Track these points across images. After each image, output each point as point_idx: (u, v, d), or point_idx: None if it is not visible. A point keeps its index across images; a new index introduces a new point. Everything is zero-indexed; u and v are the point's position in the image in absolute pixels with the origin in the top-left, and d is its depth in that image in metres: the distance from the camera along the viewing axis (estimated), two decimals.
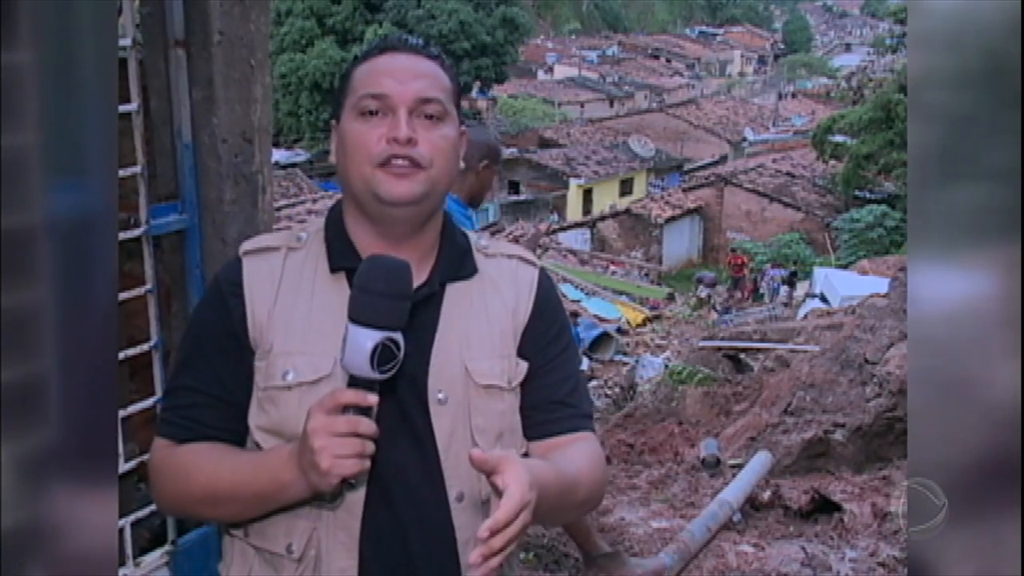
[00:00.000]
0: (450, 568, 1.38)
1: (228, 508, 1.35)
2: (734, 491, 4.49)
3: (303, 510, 1.32)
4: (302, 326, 1.34)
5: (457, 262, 1.42)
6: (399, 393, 1.31)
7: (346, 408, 1.20)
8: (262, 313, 1.35)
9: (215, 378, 1.36)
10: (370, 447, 1.21)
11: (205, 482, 1.33)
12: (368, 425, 1.20)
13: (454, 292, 1.40)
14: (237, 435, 1.37)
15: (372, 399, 1.20)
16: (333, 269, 1.37)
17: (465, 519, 1.37)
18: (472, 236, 1.48)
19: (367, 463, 1.21)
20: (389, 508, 1.34)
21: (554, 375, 1.45)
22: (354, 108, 1.34)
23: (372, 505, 1.33)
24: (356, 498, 1.33)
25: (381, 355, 1.19)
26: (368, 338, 1.19)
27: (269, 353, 1.34)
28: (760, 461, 4.85)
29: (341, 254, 1.38)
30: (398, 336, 1.21)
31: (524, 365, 1.43)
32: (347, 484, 1.25)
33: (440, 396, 1.36)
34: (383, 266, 1.23)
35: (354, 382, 1.22)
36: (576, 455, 1.40)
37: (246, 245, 1.41)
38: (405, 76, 1.33)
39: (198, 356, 1.38)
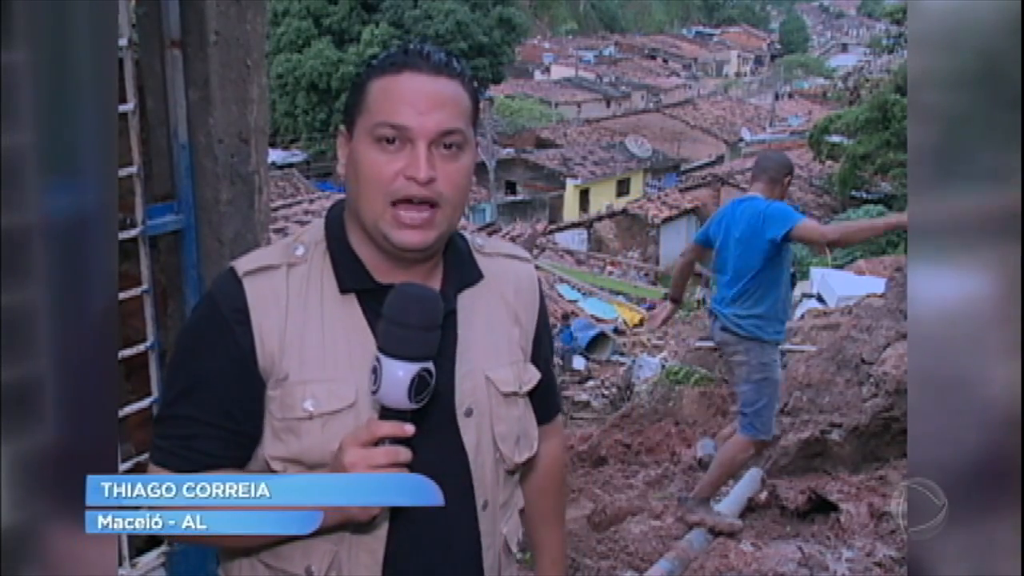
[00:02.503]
0: (473, 574, 1.38)
1: (245, 539, 1.28)
2: (728, 504, 4.53)
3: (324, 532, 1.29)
4: (317, 352, 1.29)
5: (463, 269, 1.40)
6: (425, 409, 1.27)
7: (381, 439, 1.19)
8: (272, 340, 1.28)
9: (220, 409, 1.29)
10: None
11: None
12: (406, 454, 1.19)
13: (465, 301, 1.38)
14: (241, 461, 1.32)
15: (409, 429, 1.19)
16: (343, 291, 1.32)
17: (488, 526, 1.38)
18: (468, 237, 1.46)
19: None
20: (412, 525, 1.31)
21: (548, 366, 1.52)
22: (369, 133, 1.26)
23: (397, 524, 1.31)
24: (382, 521, 1.30)
25: (417, 386, 1.19)
26: (404, 370, 1.18)
27: (283, 382, 1.28)
28: (752, 476, 4.88)
29: (351, 275, 1.32)
30: (431, 365, 1.20)
31: (535, 373, 1.45)
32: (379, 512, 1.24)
33: (466, 408, 1.34)
34: (414, 298, 1.21)
35: (387, 413, 1.20)
36: (552, 495, 1.61)
37: (244, 265, 1.32)
38: (427, 105, 1.25)
39: (200, 386, 1.30)
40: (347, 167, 1.32)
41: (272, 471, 1.30)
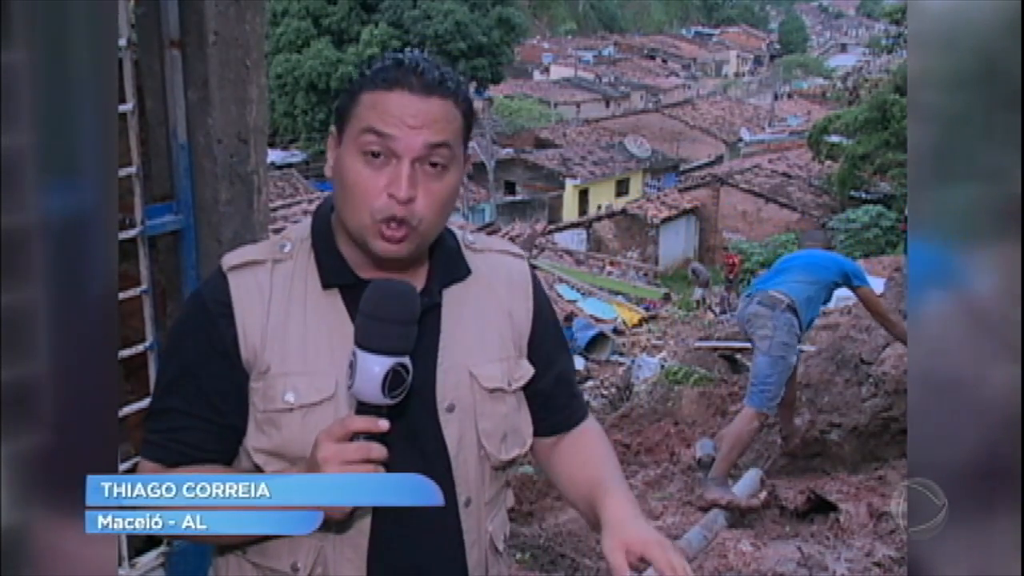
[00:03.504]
0: (457, 571, 1.38)
1: (229, 535, 1.29)
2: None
3: None
4: (298, 345, 1.30)
5: (451, 265, 1.41)
6: (404, 404, 1.28)
7: (355, 435, 1.19)
8: (254, 333, 1.30)
9: (206, 401, 1.31)
10: (381, 472, 1.20)
11: None
12: (379, 450, 1.20)
13: (451, 296, 1.39)
14: (228, 455, 1.34)
15: (383, 425, 1.19)
16: (326, 286, 1.34)
17: (471, 523, 1.39)
18: (458, 233, 1.46)
19: None
20: (396, 521, 1.32)
21: (561, 370, 1.50)
22: (356, 141, 1.28)
23: (379, 519, 1.31)
24: (364, 515, 1.31)
25: (392, 381, 1.19)
26: (378, 364, 1.18)
27: (265, 375, 1.30)
28: (752, 476, 4.88)
29: (333, 271, 1.34)
30: (407, 360, 1.21)
31: (529, 368, 1.44)
32: (356, 508, 1.24)
33: (448, 404, 1.35)
34: (391, 292, 1.22)
35: (363, 408, 1.21)
36: (604, 452, 1.50)
37: (229, 260, 1.35)
38: (415, 122, 1.26)
39: (186, 378, 1.32)
40: (334, 171, 1.33)
41: (255, 464, 1.32)
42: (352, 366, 1.20)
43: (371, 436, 1.20)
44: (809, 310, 4.82)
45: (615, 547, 1.28)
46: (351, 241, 1.34)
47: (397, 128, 1.26)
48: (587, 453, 1.49)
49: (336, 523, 1.29)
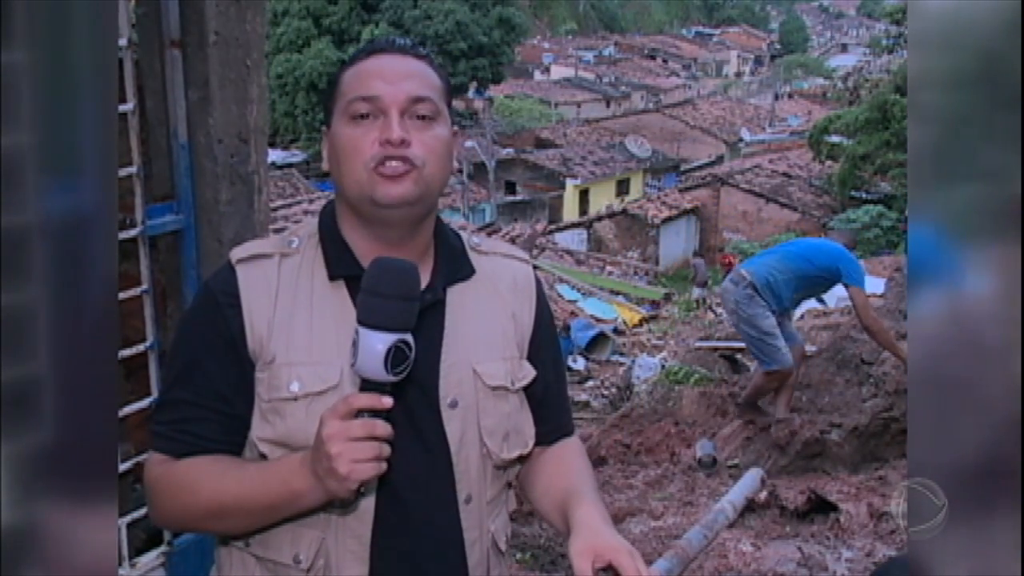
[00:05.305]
0: (458, 568, 1.39)
1: (235, 521, 1.32)
2: (728, 501, 4.52)
3: (310, 519, 1.31)
4: (304, 336, 1.32)
5: (455, 263, 1.42)
6: (407, 398, 1.30)
7: (359, 412, 1.19)
8: (261, 324, 1.32)
9: (213, 391, 1.33)
10: (386, 450, 1.20)
11: (210, 496, 1.30)
12: (384, 427, 1.20)
13: (455, 294, 1.40)
14: (236, 446, 1.35)
15: (387, 401, 1.19)
16: (332, 276, 1.35)
17: (472, 520, 1.39)
18: (464, 235, 1.48)
19: (384, 466, 1.21)
20: (399, 513, 1.33)
21: (550, 383, 1.51)
22: (344, 112, 1.32)
23: (382, 511, 1.32)
24: (366, 505, 1.32)
25: (394, 357, 1.19)
26: (380, 341, 1.19)
27: (271, 364, 1.31)
28: (752, 476, 4.87)
29: (339, 261, 1.36)
30: (409, 337, 1.21)
31: (531, 370, 1.45)
32: (360, 491, 1.24)
33: (451, 400, 1.35)
34: (391, 268, 1.23)
35: (366, 386, 1.21)
36: (582, 466, 1.51)
37: (238, 253, 1.37)
38: (395, 76, 1.31)
39: (194, 369, 1.34)
40: (329, 154, 1.36)
41: (261, 454, 1.32)
42: (355, 344, 1.20)
43: (375, 414, 1.20)
44: (772, 294, 5.27)
45: (583, 551, 1.28)
46: (357, 226, 1.36)
47: (379, 86, 1.30)
48: (565, 465, 1.49)
49: (340, 510, 1.30)
